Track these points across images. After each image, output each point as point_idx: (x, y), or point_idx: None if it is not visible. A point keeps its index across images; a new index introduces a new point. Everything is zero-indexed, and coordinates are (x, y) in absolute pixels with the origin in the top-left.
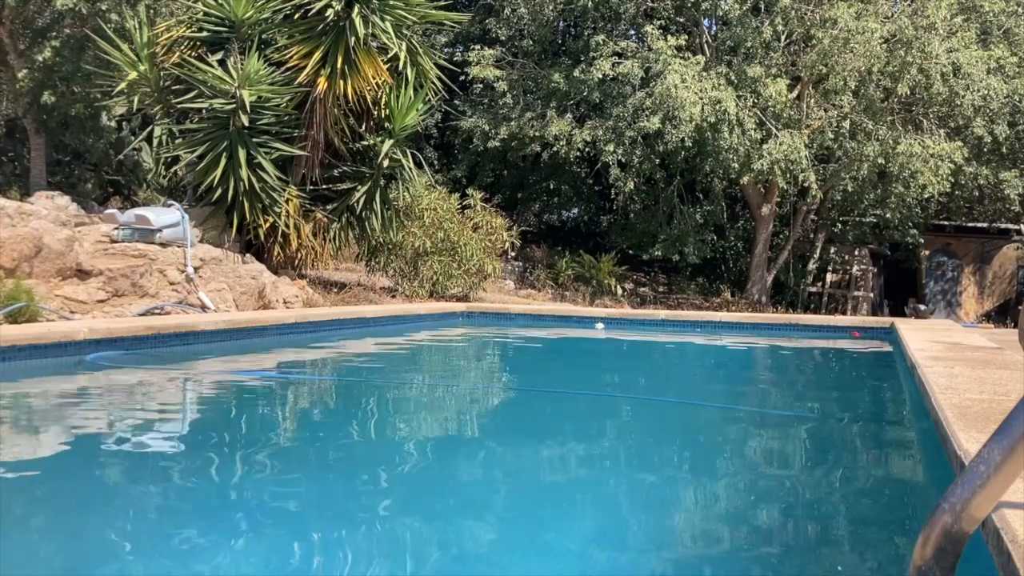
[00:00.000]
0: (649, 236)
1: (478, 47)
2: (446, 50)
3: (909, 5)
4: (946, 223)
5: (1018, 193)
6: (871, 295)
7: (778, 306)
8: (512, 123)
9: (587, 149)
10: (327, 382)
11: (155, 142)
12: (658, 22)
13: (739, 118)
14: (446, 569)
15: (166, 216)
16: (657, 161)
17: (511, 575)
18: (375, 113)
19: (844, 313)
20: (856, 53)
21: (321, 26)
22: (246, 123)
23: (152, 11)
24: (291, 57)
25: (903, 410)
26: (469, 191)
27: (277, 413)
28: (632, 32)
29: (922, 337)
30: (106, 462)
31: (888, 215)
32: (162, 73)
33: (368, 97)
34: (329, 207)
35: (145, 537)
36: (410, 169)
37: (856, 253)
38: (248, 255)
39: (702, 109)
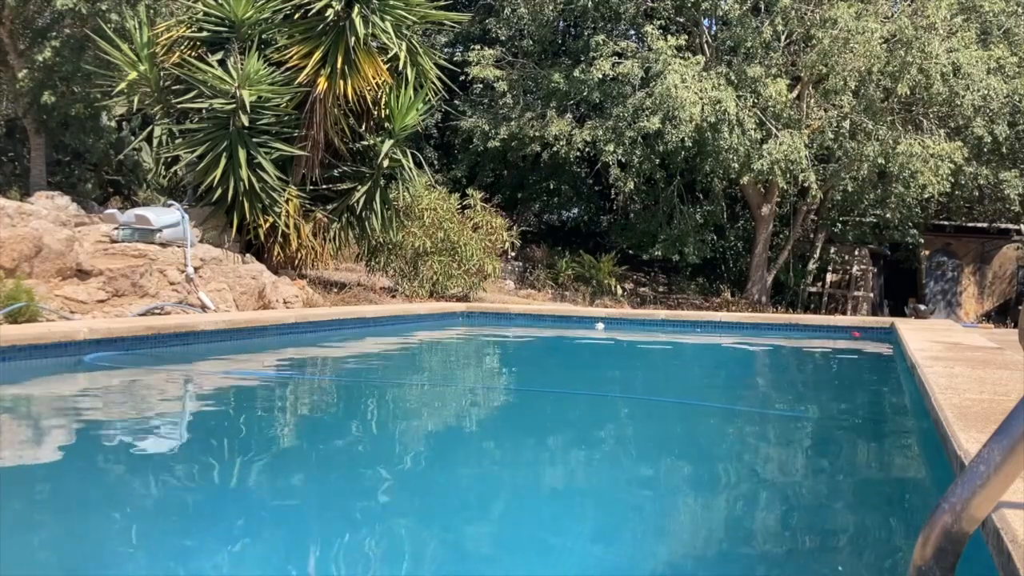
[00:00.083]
0: (649, 236)
1: (478, 47)
2: (446, 50)
3: (909, 5)
4: (946, 223)
5: (1018, 193)
6: (871, 295)
7: (778, 306)
8: (512, 123)
9: (587, 149)
10: (327, 382)
11: (155, 142)
12: (658, 22)
13: (739, 118)
14: (446, 569)
15: (166, 216)
16: (657, 161)
17: (511, 575)
18: (375, 113)
19: (844, 313)
20: (856, 53)
21: (321, 26)
22: (246, 123)
23: (152, 11)
24: (291, 57)
25: (903, 410)
26: (469, 191)
27: (276, 413)
28: (632, 32)
29: (922, 337)
30: (104, 463)
31: (888, 215)
32: (162, 73)
33: (368, 97)
34: (329, 207)
35: (144, 537)
36: (410, 169)
37: (856, 253)
38: (248, 255)
39: (702, 109)
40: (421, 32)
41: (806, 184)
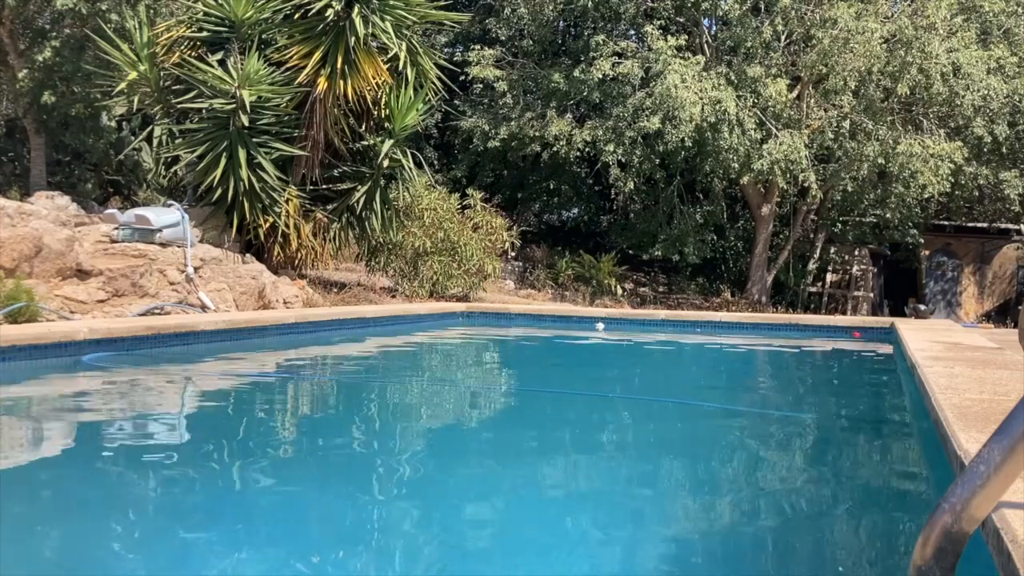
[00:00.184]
0: (649, 236)
1: (478, 47)
2: (446, 50)
3: (909, 5)
4: (946, 223)
5: (1018, 193)
6: (871, 295)
7: (778, 306)
8: (512, 123)
9: (587, 149)
10: (327, 382)
11: (155, 142)
12: (658, 22)
13: (739, 118)
14: (446, 568)
15: (166, 216)
16: (657, 161)
17: (511, 575)
18: (375, 113)
19: (844, 313)
20: (856, 53)
21: (321, 26)
22: (246, 123)
23: (152, 11)
24: (291, 57)
25: (903, 410)
26: (469, 191)
27: (276, 414)
28: (632, 32)
29: (922, 337)
30: (103, 463)
31: (888, 215)
32: (162, 73)
33: (368, 97)
34: (329, 207)
35: (143, 537)
36: (410, 169)
37: (856, 253)
38: (248, 255)
39: (702, 109)
40: (421, 32)
41: (806, 184)
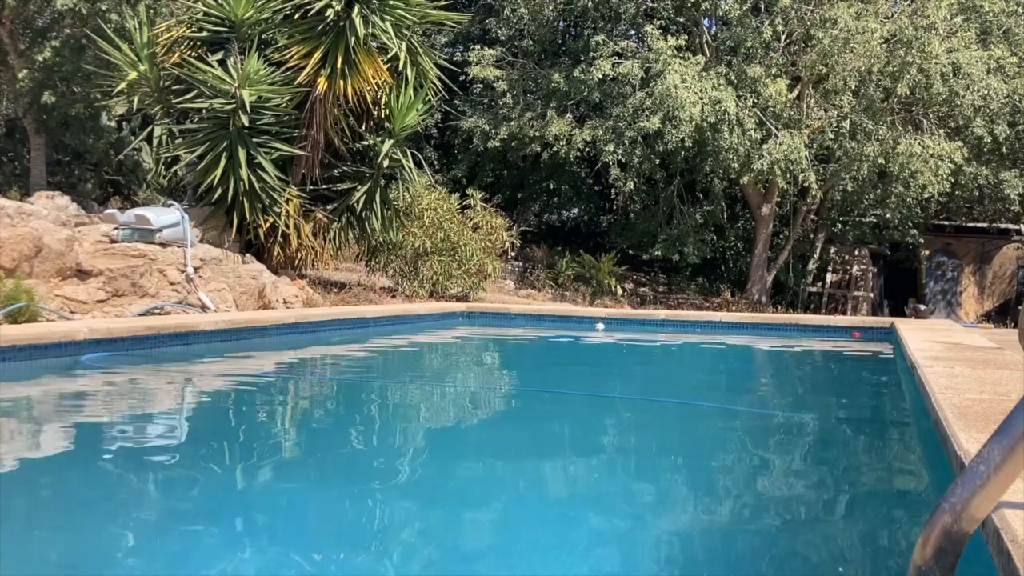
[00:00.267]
0: (649, 236)
1: (478, 47)
2: (446, 50)
3: (909, 5)
4: (946, 223)
5: (1018, 193)
6: (871, 295)
7: (778, 306)
8: (512, 123)
9: (587, 149)
10: (327, 382)
11: (155, 142)
12: (658, 22)
13: (739, 118)
14: (446, 568)
15: (166, 216)
16: (657, 161)
17: (511, 575)
18: (375, 113)
19: (844, 313)
20: (856, 53)
21: (321, 26)
22: (246, 123)
23: (152, 11)
24: (291, 57)
25: (903, 410)
26: (469, 191)
27: (276, 414)
28: (632, 32)
29: (922, 337)
30: (102, 463)
31: (888, 215)
32: (162, 73)
33: (368, 97)
34: (329, 207)
35: (142, 537)
36: (410, 169)
37: (856, 253)
38: (248, 255)
39: (702, 109)
40: (421, 32)
41: (806, 184)
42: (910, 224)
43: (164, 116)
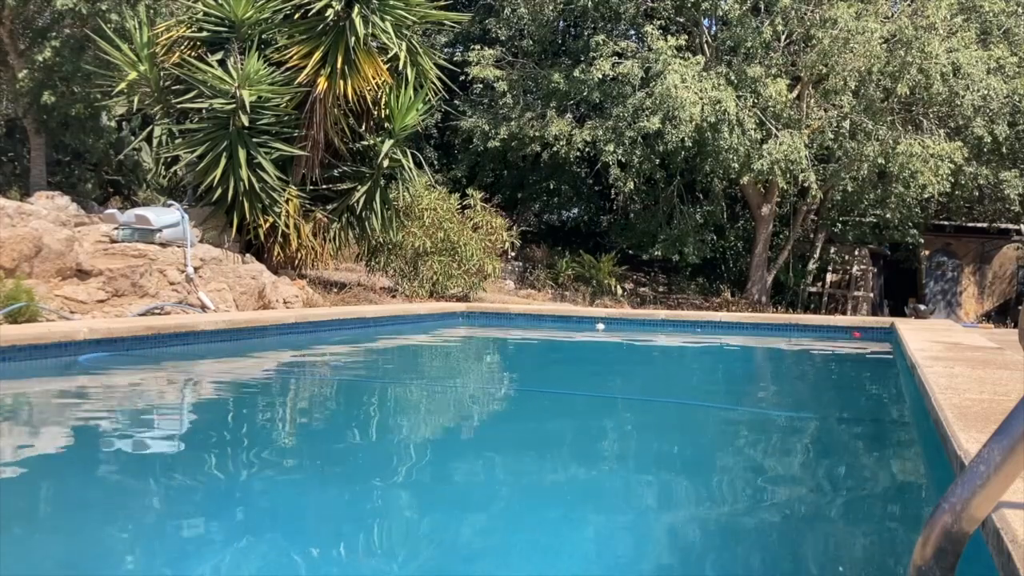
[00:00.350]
0: (649, 236)
1: (478, 47)
2: (446, 50)
3: (909, 5)
4: (946, 223)
5: (1018, 193)
6: (871, 295)
7: (778, 306)
8: (512, 123)
9: (587, 149)
10: (326, 382)
11: (155, 142)
12: (658, 22)
13: (739, 118)
14: (446, 568)
15: (166, 216)
16: (657, 161)
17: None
18: (375, 113)
19: (844, 313)
20: (856, 53)
21: (321, 26)
22: (246, 123)
23: (152, 11)
24: (291, 57)
25: (903, 410)
26: (469, 191)
27: (276, 414)
28: (632, 32)
29: (922, 337)
30: (100, 463)
31: (888, 215)
32: (162, 73)
33: (368, 97)
34: (329, 207)
35: (141, 537)
36: (410, 169)
37: (856, 253)
38: (248, 255)
39: (702, 109)
40: (421, 32)
41: (806, 184)
42: (910, 224)
43: (164, 116)
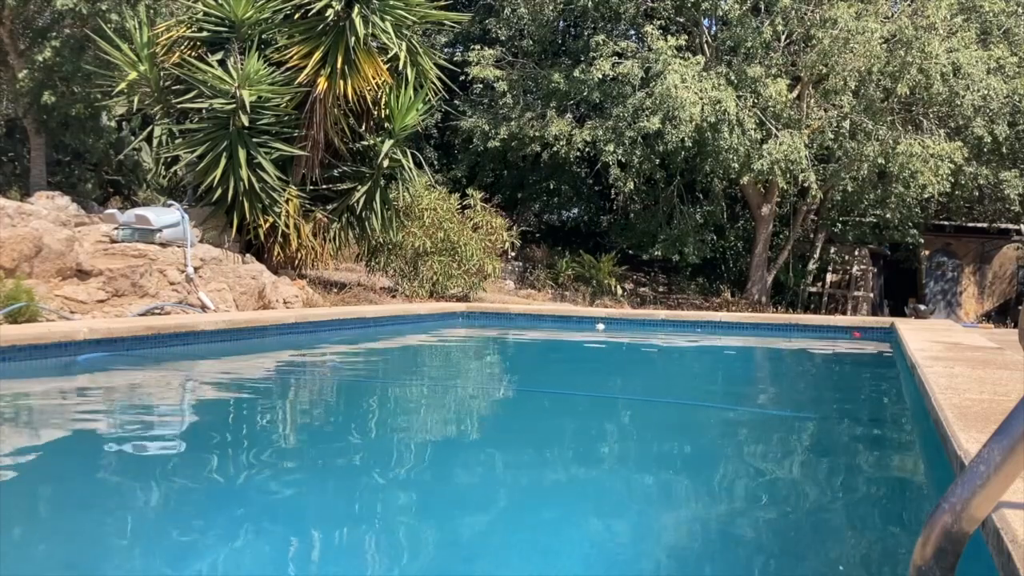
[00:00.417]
0: (649, 236)
1: (478, 47)
2: (446, 50)
3: (909, 5)
4: (946, 223)
5: (1018, 193)
6: (871, 295)
7: (778, 306)
8: (512, 123)
9: (587, 149)
10: (326, 382)
11: (155, 142)
12: (658, 22)
13: (739, 118)
14: (446, 568)
15: (166, 216)
16: (657, 161)
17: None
18: (375, 113)
19: (844, 313)
20: (856, 53)
21: (321, 26)
22: (246, 123)
23: (152, 11)
24: (291, 57)
25: (903, 410)
26: (469, 191)
27: (276, 414)
28: (632, 32)
29: (922, 337)
30: (100, 463)
31: (888, 215)
32: (162, 73)
33: (368, 97)
34: (329, 207)
35: (139, 536)
36: (410, 169)
37: (856, 253)
38: (248, 255)
39: (702, 109)
40: (421, 32)
41: (806, 184)
42: (910, 224)
43: (164, 116)
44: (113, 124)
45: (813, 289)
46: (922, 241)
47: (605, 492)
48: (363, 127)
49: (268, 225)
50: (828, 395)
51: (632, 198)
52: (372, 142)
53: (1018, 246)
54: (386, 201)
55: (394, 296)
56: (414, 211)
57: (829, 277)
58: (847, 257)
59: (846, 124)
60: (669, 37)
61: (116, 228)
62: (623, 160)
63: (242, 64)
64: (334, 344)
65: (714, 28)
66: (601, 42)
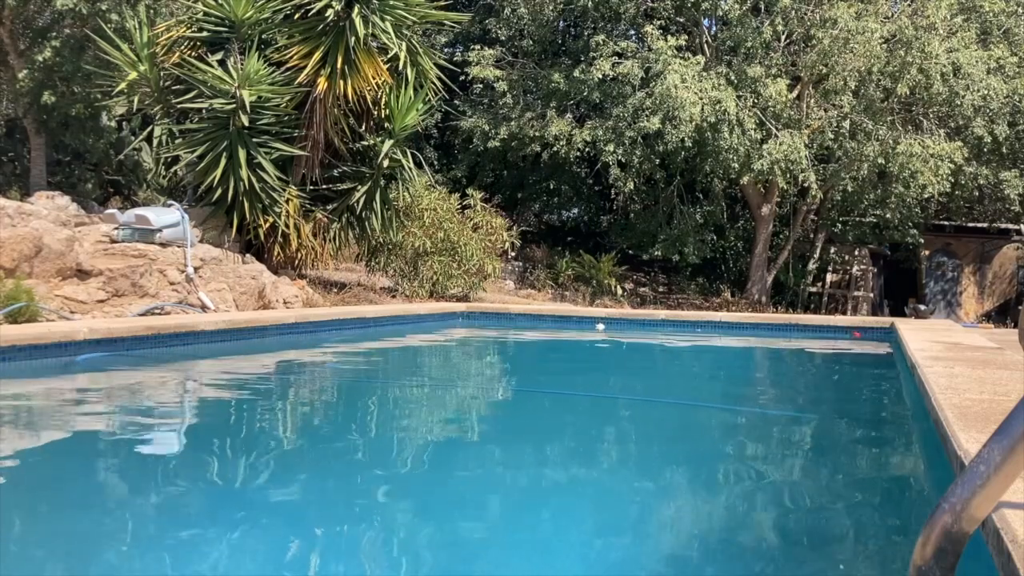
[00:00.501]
0: (649, 236)
1: (478, 47)
2: (446, 50)
3: (909, 5)
4: (946, 223)
5: (1018, 193)
6: (871, 295)
7: (778, 306)
8: (512, 123)
9: (587, 149)
10: (326, 383)
11: (155, 142)
12: (658, 22)
13: (739, 118)
14: (445, 567)
15: (166, 216)
16: (657, 161)
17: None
18: (375, 113)
19: (844, 313)
20: (856, 53)
21: (321, 26)
22: (246, 123)
23: (152, 11)
24: (291, 57)
25: (903, 410)
26: (469, 191)
27: (276, 414)
28: (632, 32)
29: (922, 337)
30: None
31: (888, 215)
32: (162, 73)
33: (368, 97)
34: (329, 207)
35: (139, 536)
36: (410, 169)
37: (856, 253)
38: (248, 255)
39: (702, 109)
40: (421, 32)
41: (806, 184)
42: (910, 224)
43: (164, 116)
44: (113, 124)
45: (813, 289)
46: (922, 241)
47: (605, 492)
48: (363, 127)
49: (268, 225)
50: (828, 395)
51: (632, 198)
52: (372, 142)
53: (1018, 246)
54: (386, 201)
55: (394, 296)
56: (414, 211)
57: (829, 277)
58: (847, 257)
59: (846, 124)
60: (669, 37)
61: (116, 228)
62: (623, 160)
63: (242, 64)
64: (334, 344)
65: (714, 28)
66: (601, 42)
